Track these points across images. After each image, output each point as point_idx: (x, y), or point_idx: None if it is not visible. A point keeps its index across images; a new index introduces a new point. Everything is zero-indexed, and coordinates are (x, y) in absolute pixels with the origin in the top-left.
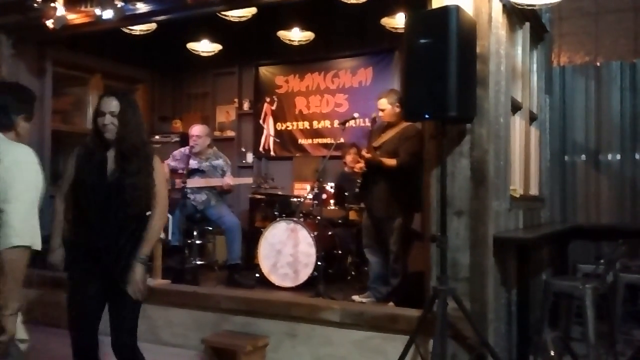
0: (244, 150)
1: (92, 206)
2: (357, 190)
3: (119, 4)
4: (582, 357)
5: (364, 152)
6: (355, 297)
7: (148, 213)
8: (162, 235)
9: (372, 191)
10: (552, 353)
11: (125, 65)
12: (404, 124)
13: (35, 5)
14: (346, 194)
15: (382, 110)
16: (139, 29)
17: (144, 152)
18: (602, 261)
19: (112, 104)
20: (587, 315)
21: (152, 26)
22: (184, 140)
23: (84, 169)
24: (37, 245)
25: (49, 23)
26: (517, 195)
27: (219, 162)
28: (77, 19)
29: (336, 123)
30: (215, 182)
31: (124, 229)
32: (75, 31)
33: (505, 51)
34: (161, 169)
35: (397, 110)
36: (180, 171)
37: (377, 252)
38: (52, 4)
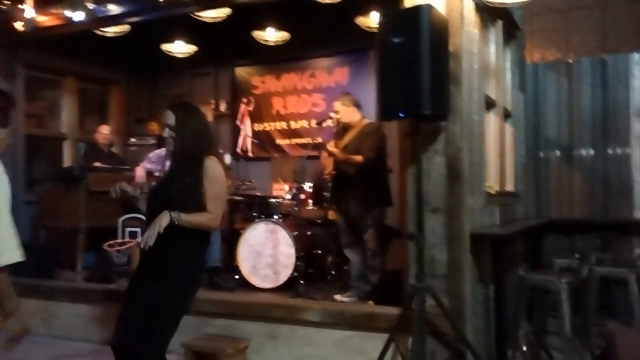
0: (221, 151)
1: (150, 212)
2: (328, 195)
3: (91, 6)
4: (558, 350)
5: (329, 146)
6: (338, 297)
7: None
8: (139, 239)
9: (344, 192)
10: (525, 348)
11: (100, 67)
12: (363, 123)
13: (3, 7)
14: (325, 193)
15: (337, 111)
16: (112, 30)
17: (198, 158)
18: (576, 255)
19: (169, 117)
20: (563, 309)
21: (126, 28)
22: (161, 142)
23: (154, 187)
24: (11, 259)
25: (19, 25)
26: (493, 192)
27: None
28: (48, 21)
29: (313, 123)
30: None
31: (172, 231)
32: (47, 33)
33: (478, 49)
34: (215, 172)
35: (351, 109)
36: (156, 173)
37: (356, 251)
38: (21, 6)
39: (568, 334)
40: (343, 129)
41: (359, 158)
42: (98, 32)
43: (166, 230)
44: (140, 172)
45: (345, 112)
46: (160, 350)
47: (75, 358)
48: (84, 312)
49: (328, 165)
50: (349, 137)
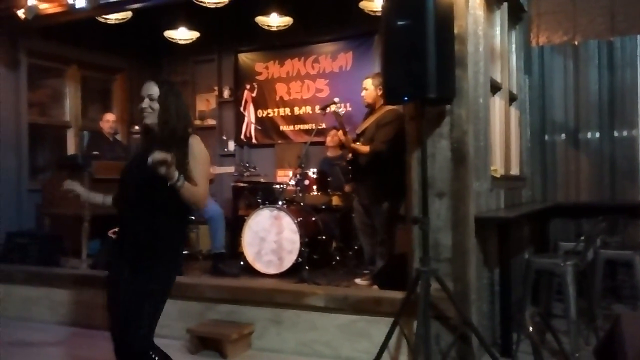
0: (225, 138)
1: (123, 196)
2: (350, 176)
3: None
4: (563, 332)
5: (340, 134)
6: (358, 281)
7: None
8: None
9: (358, 178)
10: (531, 329)
11: (102, 54)
12: (384, 110)
13: None
14: (329, 179)
15: (366, 89)
16: (114, 17)
17: (182, 136)
18: (582, 238)
19: (152, 88)
20: (568, 292)
21: (128, 14)
22: None
23: (126, 167)
24: None
25: (20, 13)
26: (498, 176)
27: None
28: (50, 9)
29: (317, 108)
30: None
31: (149, 216)
32: (49, 21)
33: (483, 31)
34: (200, 151)
35: (380, 93)
36: None
37: (368, 234)
38: None
39: (573, 317)
40: (369, 112)
41: (366, 149)
42: (100, 19)
43: (149, 219)
44: None
45: (371, 93)
46: (149, 337)
47: (78, 343)
48: (88, 299)
49: (334, 144)
50: (368, 121)
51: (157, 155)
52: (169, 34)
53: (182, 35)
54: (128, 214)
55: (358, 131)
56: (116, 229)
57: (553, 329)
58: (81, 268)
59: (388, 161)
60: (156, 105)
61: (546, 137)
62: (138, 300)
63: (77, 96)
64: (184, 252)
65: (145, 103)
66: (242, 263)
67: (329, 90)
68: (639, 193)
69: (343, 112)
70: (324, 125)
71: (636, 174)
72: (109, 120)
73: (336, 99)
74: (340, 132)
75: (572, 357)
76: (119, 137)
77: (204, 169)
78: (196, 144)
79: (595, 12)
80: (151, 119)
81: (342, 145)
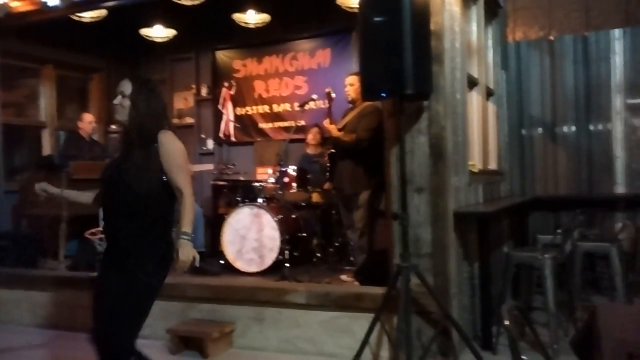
0: (204, 136)
1: (106, 199)
2: (327, 175)
3: None
4: (544, 325)
5: (325, 123)
6: (343, 277)
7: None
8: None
9: (340, 170)
10: (507, 322)
11: (79, 54)
12: (364, 104)
13: None
14: (309, 176)
15: (352, 85)
16: (89, 16)
17: (150, 135)
18: (560, 231)
19: (124, 85)
20: (547, 285)
21: (103, 13)
22: None
23: (106, 170)
24: None
25: None
26: (476, 170)
27: None
28: (22, 7)
29: (296, 106)
30: None
31: (131, 219)
32: (21, 20)
33: (460, 27)
34: (173, 145)
35: None
36: None
37: (354, 231)
38: None
39: (552, 309)
40: (350, 108)
41: (350, 137)
42: (75, 18)
43: (131, 222)
44: None
45: (357, 88)
46: (131, 343)
47: (60, 345)
48: (69, 300)
49: (316, 142)
50: (349, 116)
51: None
52: (146, 32)
53: (159, 33)
54: (113, 219)
55: (339, 127)
56: (94, 230)
57: (530, 322)
58: (59, 269)
59: (370, 150)
60: (127, 103)
61: (523, 132)
62: (123, 302)
63: (53, 96)
64: (169, 258)
65: (117, 100)
66: (222, 262)
67: (307, 87)
68: (615, 185)
69: (334, 96)
70: (303, 123)
71: (612, 167)
72: (90, 121)
73: (314, 96)
74: (328, 120)
75: (552, 348)
76: (96, 137)
77: (180, 163)
78: (167, 140)
79: (570, 6)
80: (122, 116)
81: (322, 142)
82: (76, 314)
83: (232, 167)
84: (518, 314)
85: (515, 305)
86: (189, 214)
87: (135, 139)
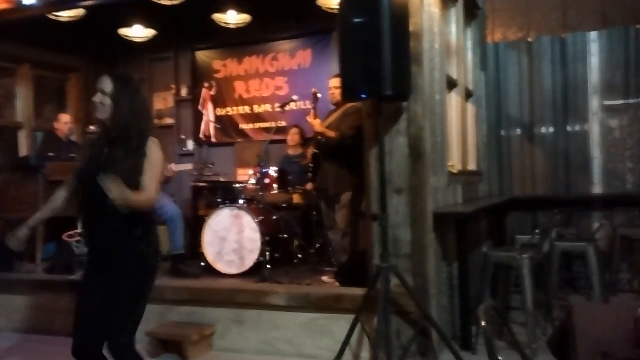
0: (183, 137)
1: (85, 199)
2: (309, 175)
3: None
4: (521, 324)
5: (308, 118)
6: (324, 278)
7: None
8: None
9: (324, 170)
10: (483, 323)
11: (56, 53)
12: (347, 104)
13: None
14: (289, 177)
15: (337, 87)
16: (66, 15)
17: (138, 139)
18: (537, 231)
19: (105, 82)
20: (525, 284)
21: (80, 12)
22: None
23: (83, 168)
24: None
25: None
26: (455, 171)
27: None
28: None
29: (276, 106)
30: None
31: (111, 218)
32: None
33: (438, 28)
34: (156, 155)
35: None
36: None
37: (336, 232)
38: None
39: (530, 309)
40: (333, 109)
41: (333, 133)
42: (51, 17)
43: (110, 222)
44: None
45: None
46: (129, 342)
47: (38, 350)
48: (46, 304)
49: (295, 143)
50: (332, 117)
51: (108, 185)
52: (124, 31)
53: (138, 33)
54: (92, 219)
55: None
56: (71, 232)
57: (507, 322)
58: (36, 272)
59: (352, 150)
60: (107, 101)
61: (502, 132)
62: (109, 304)
63: (30, 96)
64: (155, 258)
65: (97, 97)
66: (202, 263)
67: (288, 87)
68: (591, 185)
69: (320, 96)
70: (283, 123)
71: (589, 167)
72: (66, 122)
73: (295, 97)
74: (312, 114)
75: (530, 347)
76: (73, 137)
77: (155, 172)
78: (154, 148)
79: (547, 7)
80: (102, 114)
81: (302, 143)
82: (54, 317)
83: (210, 166)
84: (495, 314)
85: (492, 305)
86: (138, 197)
87: (117, 138)
